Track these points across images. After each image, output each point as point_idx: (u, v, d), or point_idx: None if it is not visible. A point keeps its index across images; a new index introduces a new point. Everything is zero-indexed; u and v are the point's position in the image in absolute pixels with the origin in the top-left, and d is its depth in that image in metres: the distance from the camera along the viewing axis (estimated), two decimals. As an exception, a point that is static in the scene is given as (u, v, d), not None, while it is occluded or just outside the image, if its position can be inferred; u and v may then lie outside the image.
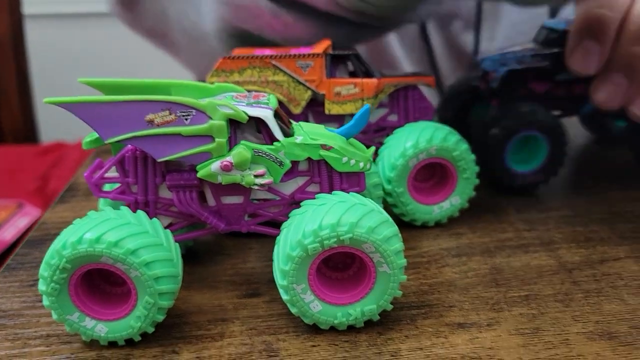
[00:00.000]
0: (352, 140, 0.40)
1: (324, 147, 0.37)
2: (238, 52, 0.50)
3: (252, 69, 0.48)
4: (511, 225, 0.48)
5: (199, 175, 0.36)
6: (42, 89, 1.19)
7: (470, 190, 0.47)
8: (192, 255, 0.46)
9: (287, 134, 0.38)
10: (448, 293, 0.40)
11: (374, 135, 0.52)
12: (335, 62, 0.50)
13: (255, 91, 0.40)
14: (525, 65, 0.51)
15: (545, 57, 0.51)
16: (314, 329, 0.36)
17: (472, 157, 0.47)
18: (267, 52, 0.49)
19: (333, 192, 0.37)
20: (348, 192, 0.38)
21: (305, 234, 0.34)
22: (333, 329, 0.36)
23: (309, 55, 0.48)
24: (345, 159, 0.38)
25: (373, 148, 0.40)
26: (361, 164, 0.38)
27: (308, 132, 0.38)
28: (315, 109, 0.51)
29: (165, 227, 0.39)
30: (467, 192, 0.47)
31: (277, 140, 0.37)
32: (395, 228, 0.35)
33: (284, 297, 0.35)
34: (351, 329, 0.36)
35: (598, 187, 0.54)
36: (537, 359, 0.33)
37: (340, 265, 0.38)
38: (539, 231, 0.47)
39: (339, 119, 0.50)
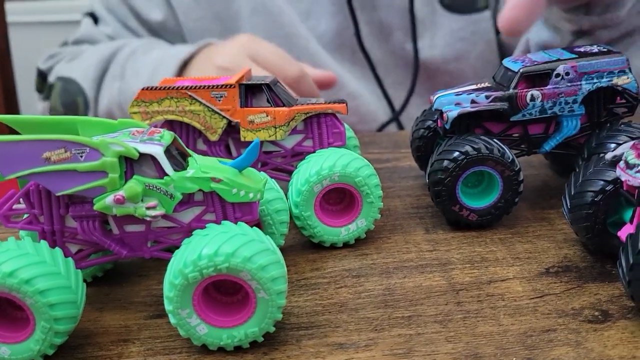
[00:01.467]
0: (247, 170, 0.42)
1: (214, 179, 0.40)
2: (163, 82, 0.53)
3: (169, 99, 0.51)
4: (416, 245, 0.51)
5: (95, 208, 0.39)
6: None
7: (375, 213, 0.50)
8: (111, 277, 0.49)
9: (182, 167, 0.40)
10: (338, 314, 0.42)
11: (291, 160, 0.54)
12: (252, 91, 0.53)
13: (154, 127, 0.42)
14: (478, 107, 0.52)
15: (499, 99, 0.52)
16: (205, 350, 0.39)
17: (375, 181, 0.49)
18: (187, 83, 0.52)
19: (222, 222, 0.40)
20: (240, 221, 0.41)
21: (185, 264, 0.36)
22: (222, 349, 0.39)
23: (222, 86, 0.50)
24: (234, 190, 0.40)
25: (266, 178, 0.43)
26: (251, 195, 0.41)
27: (201, 166, 0.41)
28: (235, 136, 0.53)
29: (75, 253, 0.42)
30: (372, 215, 0.50)
31: (167, 175, 0.39)
32: (274, 256, 0.38)
33: (172, 321, 0.38)
34: (239, 349, 0.39)
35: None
36: (403, 378, 0.36)
37: (231, 290, 0.40)
38: (440, 252, 0.49)
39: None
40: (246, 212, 0.42)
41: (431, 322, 0.41)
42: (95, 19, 1.04)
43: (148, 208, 0.39)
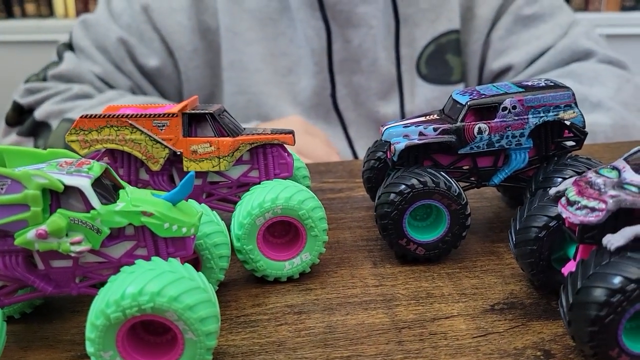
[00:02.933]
0: (182, 204, 0.41)
1: (144, 213, 0.38)
2: (107, 110, 0.52)
3: (109, 128, 0.49)
4: (362, 280, 0.49)
5: (16, 242, 0.37)
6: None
7: (320, 247, 0.49)
8: (42, 313, 0.46)
9: (112, 200, 0.39)
10: (275, 354, 0.41)
11: (237, 190, 0.53)
12: (197, 120, 0.51)
13: (83, 158, 0.40)
14: (425, 139, 0.51)
15: (447, 131, 0.52)
16: (131, 394, 0.37)
17: (320, 214, 0.48)
18: (129, 111, 0.50)
19: (152, 258, 0.38)
20: (173, 257, 0.39)
21: (108, 304, 0.35)
22: (149, 393, 0.37)
23: (164, 115, 0.49)
24: (167, 225, 0.39)
25: (201, 212, 0.41)
26: (184, 229, 0.39)
27: (132, 199, 0.39)
28: (178, 166, 0.52)
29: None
30: (316, 248, 0.48)
31: (94, 209, 0.38)
32: (204, 295, 0.36)
33: (94, 364, 0.36)
34: (167, 393, 0.37)
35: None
36: None
37: (160, 330, 0.38)
38: (386, 287, 0.48)
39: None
40: (179, 247, 0.40)
41: (370, 362, 0.40)
42: (73, 50, 1.02)
43: (73, 243, 0.37)
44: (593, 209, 0.38)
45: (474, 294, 0.47)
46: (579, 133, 0.53)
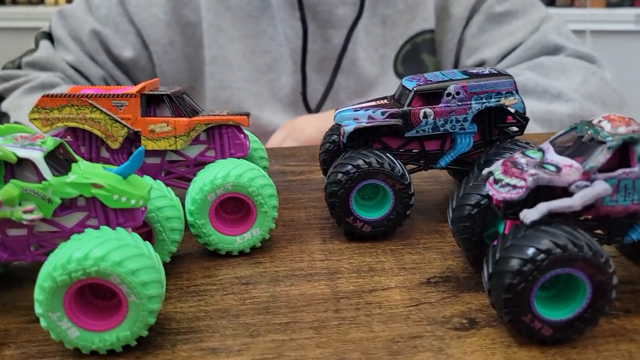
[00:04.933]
0: (132, 177, 0.43)
1: (94, 185, 0.41)
2: (71, 90, 0.54)
3: (70, 107, 0.51)
4: (310, 255, 0.52)
5: None
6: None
7: (270, 223, 0.51)
8: (3, 280, 0.49)
9: (65, 172, 0.41)
10: (219, 320, 0.43)
11: (194, 169, 0.55)
12: (156, 102, 0.54)
13: (38, 134, 0.43)
14: (373, 122, 0.54)
15: (394, 115, 0.54)
16: (79, 353, 0.39)
17: (269, 192, 0.50)
18: (90, 91, 0.53)
19: (101, 227, 0.41)
20: (123, 227, 0.42)
21: (55, 267, 0.37)
22: (96, 353, 0.40)
23: (123, 95, 0.51)
24: (116, 197, 0.41)
25: (150, 186, 0.44)
26: (132, 201, 0.42)
27: (83, 172, 0.41)
28: (137, 145, 0.54)
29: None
30: (266, 224, 0.51)
31: (46, 180, 0.40)
32: (148, 261, 0.39)
33: (42, 324, 0.38)
34: (112, 352, 0.40)
35: (408, 219, 0.58)
36: (266, 382, 0.37)
37: (108, 294, 0.41)
38: (331, 261, 0.51)
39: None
40: (129, 218, 0.42)
41: (306, 328, 0.42)
42: (51, 39, 1.04)
43: (25, 212, 0.40)
44: (515, 187, 0.40)
45: (413, 268, 0.50)
46: (521, 119, 0.56)
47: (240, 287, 0.47)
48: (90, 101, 0.51)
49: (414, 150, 0.56)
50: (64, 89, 0.95)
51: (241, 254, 0.52)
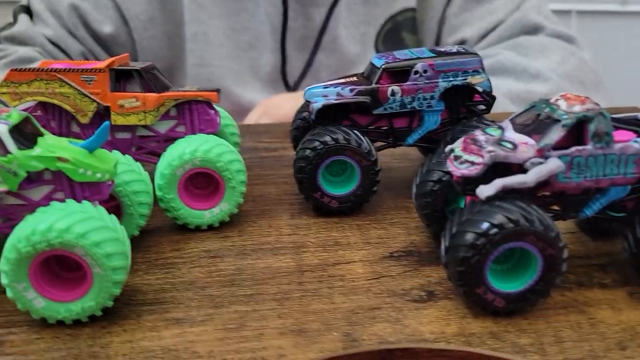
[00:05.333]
0: (99, 151, 0.44)
1: (60, 159, 0.41)
2: (41, 64, 0.54)
3: (39, 81, 0.51)
4: (278, 229, 0.53)
5: None
6: None
7: (238, 198, 0.52)
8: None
9: (31, 146, 0.42)
10: (185, 291, 0.44)
11: (164, 144, 0.56)
12: (126, 77, 0.54)
13: (5, 106, 0.43)
14: (342, 99, 0.54)
15: (363, 93, 0.54)
16: (45, 323, 0.40)
17: (237, 167, 0.51)
18: (60, 65, 0.53)
19: (66, 200, 0.41)
20: (90, 200, 0.42)
21: (19, 238, 0.38)
22: (62, 323, 0.40)
23: (92, 70, 0.52)
24: (81, 170, 0.42)
25: (117, 160, 0.44)
26: (98, 175, 0.42)
27: (50, 145, 0.42)
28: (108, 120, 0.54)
29: None
30: (234, 199, 0.52)
31: (10, 153, 0.40)
32: (112, 234, 0.39)
33: (8, 294, 0.39)
34: (78, 322, 0.41)
35: (377, 195, 0.59)
36: (227, 350, 0.38)
37: (74, 266, 0.42)
38: (298, 236, 0.52)
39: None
40: (95, 191, 0.43)
41: (269, 299, 0.43)
42: (30, 13, 1.02)
43: None
44: (473, 163, 0.41)
45: (377, 243, 0.51)
46: (489, 97, 0.57)
47: (207, 260, 0.48)
48: (59, 76, 0.51)
49: (382, 128, 0.57)
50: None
51: (210, 228, 0.53)
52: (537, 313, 0.41)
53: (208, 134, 0.55)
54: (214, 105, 0.56)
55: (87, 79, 0.51)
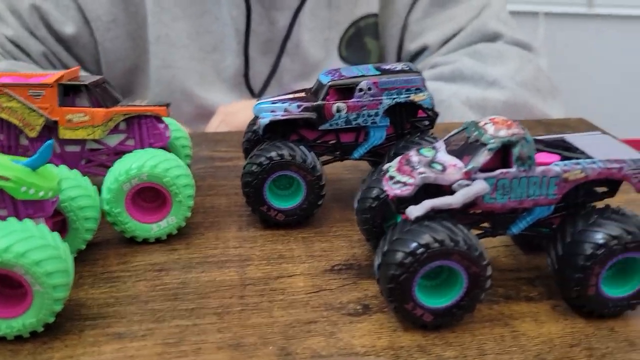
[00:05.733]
0: (43, 169, 0.45)
1: (1, 177, 0.42)
2: None
3: (-13, 95, 0.52)
4: (225, 242, 0.54)
5: None
6: None
7: (186, 211, 0.53)
8: None
9: None
10: (128, 305, 0.45)
11: (114, 157, 0.56)
12: (74, 91, 0.55)
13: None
14: (288, 115, 0.56)
15: (309, 109, 0.56)
16: (-13, 339, 0.41)
17: (185, 182, 0.52)
18: (7, 80, 0.53)
19: (7, 218, 0.42)
20: (33, 217, 0.43)
21: None
22: (4, 339, 0.41)
23: (40, 85, 0.52)
24: (24, 188, 0.42)
25: (59, 178, 0.45)
26: (41, 193, 0.43)
27: None
28: (57, 134, 0.55)
29: None
30: (182, 212, 0.53)
31: None
32: (53, 252, 0.40)
33: (-50, 312, 0.40)
34: (20, 338, 0.41)
35: (325, 207, 0.60)
36: (165, 365, 0.40)
37: (16, 283, 0.43)
38: (244, 248, 0.53)
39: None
40: (38, 209, 0.44)
41: (210, 314, 0.45)
42: None
43: None
44: (405, 184, 0.43)
45: (320, 255, 0.53)
46: (432, 113, 0.59)
47: (153, 273, 0.49)
48: (6, 90, 0.52)
49: (330, 142, 0.59)
50: (2, 65, 0.94)
51: (158, 240, 0.54)
52: (464, 326, 0.43)
53: (157, 147, 0.56)
54: (164, 119, 0.57)
55: (35, 94, 0.52)
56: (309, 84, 0.72)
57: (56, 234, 0.42)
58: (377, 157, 0.60)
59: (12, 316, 0.41)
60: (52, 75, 0.54)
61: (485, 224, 0.46)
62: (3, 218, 0.43)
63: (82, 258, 0.51)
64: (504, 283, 0.49)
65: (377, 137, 0.58)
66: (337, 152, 0.60)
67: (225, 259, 0.52)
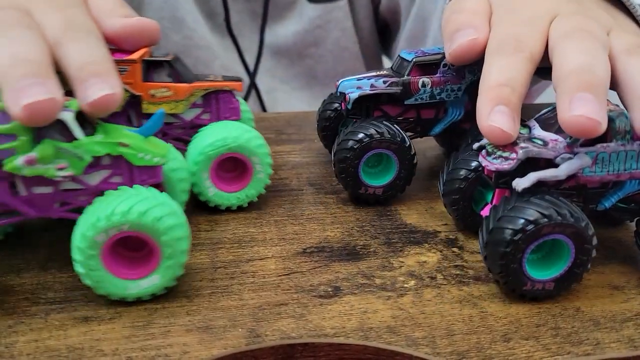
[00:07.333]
0: (151, 138, 0.46)
1: (121, 144, 0.43)
2: None
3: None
4: (196, 225, 0.54)
5: (5, 168, 0.41)
6: None
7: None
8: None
9: (91, 132, 0.43)
10: (97, 289, 0.45)
11: (190, 131, 0.58)
12: (154, 67, 0.56)
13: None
14: (376, 90, 0.57)
15: (395, 84, 0.57)
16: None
17: (264, 151, 0.55)
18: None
19: (134, 186, 0.43)
20: (146, 184, 0.44)
21: (99, 218, 0.40)
22: None
23: (125, 61, 0.54)
24: (140, 155, 0.44)
25: (169, 145, 0.47)
26: (155, 159, 0.44)
27: (110, 132, 0.44)
28: (135, 108, 0.56)
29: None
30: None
31: (77, 139, 0.42)
32: (181, 219, 0.42)
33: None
34: (-15, 322, 0.41)
35: (299, 191, 0.61)
36: (132, 348, 0.39)
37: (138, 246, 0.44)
38: (216, 232, 0.53)
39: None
40: (151, 175, 0.45)
41: (180, 297, 0.44)
42: None
43: (59, 169, 0.41)
44: (506, 158, 0.45)
45: (292, 238, 0.53)
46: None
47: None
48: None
49: (411, 118, 0.61)
50: None
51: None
52: (433, 308, 0.44)
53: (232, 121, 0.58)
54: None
55: (120, 70, 0.53)
56: (280, 25, 0.71)
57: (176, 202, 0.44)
58: (455, 133, 0.62)
59: (141, 277, 0.43)
60: (137, 52, 0.55)
61: (575, 199, 0.47)
62: (118, 185, 0.44)
63: (56, 239, 0.50)
64: (474, 265, 0.49)
65: (456, 113, 0.60)
66: (418, 128, 0.61)
67: (196, 242, 0.51)
